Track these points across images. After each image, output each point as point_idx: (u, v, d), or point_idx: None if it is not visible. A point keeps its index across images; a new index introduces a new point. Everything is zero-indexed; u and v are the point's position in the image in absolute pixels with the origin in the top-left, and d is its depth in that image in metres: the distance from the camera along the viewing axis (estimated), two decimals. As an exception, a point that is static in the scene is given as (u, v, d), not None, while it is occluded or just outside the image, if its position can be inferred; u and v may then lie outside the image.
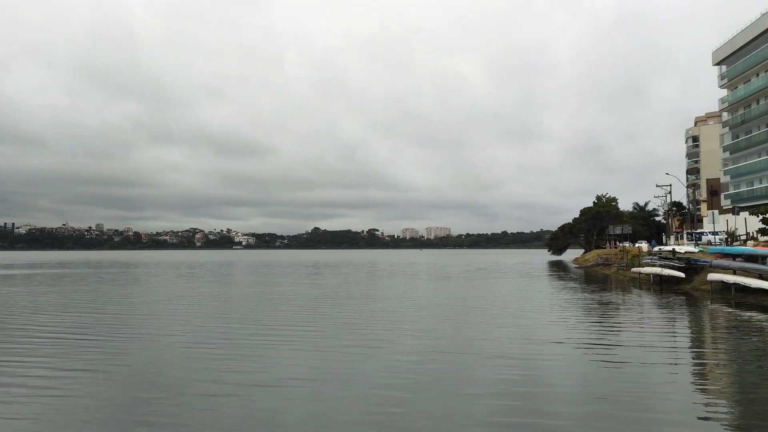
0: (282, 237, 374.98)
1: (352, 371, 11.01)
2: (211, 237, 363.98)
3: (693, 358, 12.60)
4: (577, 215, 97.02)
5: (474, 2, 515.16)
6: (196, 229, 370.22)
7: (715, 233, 41.71)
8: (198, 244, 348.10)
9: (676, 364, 11.61)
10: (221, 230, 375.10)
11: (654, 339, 14.72)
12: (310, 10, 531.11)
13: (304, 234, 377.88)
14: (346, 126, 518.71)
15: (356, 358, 12.27)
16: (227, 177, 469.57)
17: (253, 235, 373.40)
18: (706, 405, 8.70)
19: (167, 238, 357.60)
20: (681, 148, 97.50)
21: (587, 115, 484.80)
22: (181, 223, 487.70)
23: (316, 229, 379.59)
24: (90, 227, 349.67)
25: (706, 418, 8.07)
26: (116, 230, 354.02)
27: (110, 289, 32.60)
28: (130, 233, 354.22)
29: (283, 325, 17.48)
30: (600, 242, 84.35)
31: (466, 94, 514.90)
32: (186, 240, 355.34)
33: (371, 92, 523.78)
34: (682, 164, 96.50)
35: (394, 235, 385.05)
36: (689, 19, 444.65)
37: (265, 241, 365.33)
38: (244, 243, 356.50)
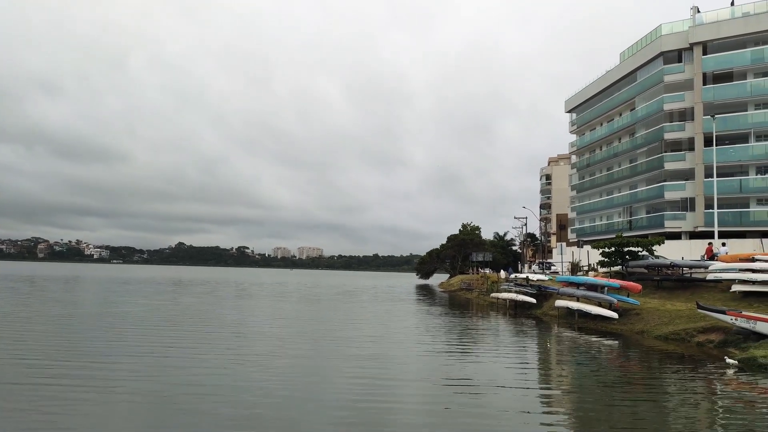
0: (141, 251, 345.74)
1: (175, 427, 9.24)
2: (57, 248, 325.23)
3: (542, 390, 12.63)
4: (440, 241, 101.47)
5: (331, 23, 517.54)
6: (39, 238, 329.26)
7: (562, 264, 45.24)
8: (41, 255, 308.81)
9: (526, 395, 11.49)
10: (69, 241, 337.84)
11: (507, 371, 14.70)
12: (155, 9, 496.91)
13: (166, 249, 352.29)
14: (205, 138, 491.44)
15: (184, 406, 10.42)
16: (71, 183, 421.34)
17: (107, 247, 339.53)
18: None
19: (3, 247, 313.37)
20: (533, 183, 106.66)
21: (443, 146, 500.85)
22: (20, 231, 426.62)
23: (181, 244, 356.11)
24: None
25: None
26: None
27: None
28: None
29: (105, 362, 14.85)
30: (464, 268, 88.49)
31: (328, 116, 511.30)
32: (26, 251, 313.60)
33: (230, 105, 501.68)
34: (537, 199, 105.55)
35: (265, 254, 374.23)
36: (528, 68, 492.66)
37: (121, 254, 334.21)
38: (96, 256, 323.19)
